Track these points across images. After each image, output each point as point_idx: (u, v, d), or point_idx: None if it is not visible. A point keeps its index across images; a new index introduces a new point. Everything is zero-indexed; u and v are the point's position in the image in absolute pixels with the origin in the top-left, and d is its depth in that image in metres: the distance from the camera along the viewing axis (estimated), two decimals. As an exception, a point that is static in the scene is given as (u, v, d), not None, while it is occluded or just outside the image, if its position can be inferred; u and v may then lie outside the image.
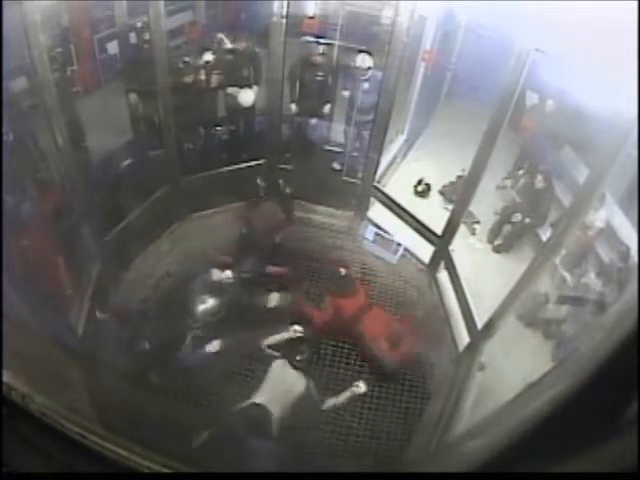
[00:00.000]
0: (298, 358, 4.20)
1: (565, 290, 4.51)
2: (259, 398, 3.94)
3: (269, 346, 4.41)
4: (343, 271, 5.31)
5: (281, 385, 4.07)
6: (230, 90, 6.03)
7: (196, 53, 6.00)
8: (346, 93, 6.16)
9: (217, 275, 5.09)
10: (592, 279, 4.43)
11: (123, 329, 4.68)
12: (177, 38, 6.60)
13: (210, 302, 4.91)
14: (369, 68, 5.77)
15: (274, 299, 5.21)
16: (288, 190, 6.09)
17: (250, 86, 5.98)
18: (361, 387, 4.21)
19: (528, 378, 1.59)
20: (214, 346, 4.57)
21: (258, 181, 6.10)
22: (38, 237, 3.92)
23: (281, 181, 6.11)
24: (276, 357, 4.27)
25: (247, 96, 6.00)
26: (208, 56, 5.84)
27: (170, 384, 4.39)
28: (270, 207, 6.15)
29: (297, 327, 4.51)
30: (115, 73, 6.05)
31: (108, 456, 1.00)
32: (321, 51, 5.95)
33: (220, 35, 6.01)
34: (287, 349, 4.31)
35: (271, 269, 5.55)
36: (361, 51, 5.82)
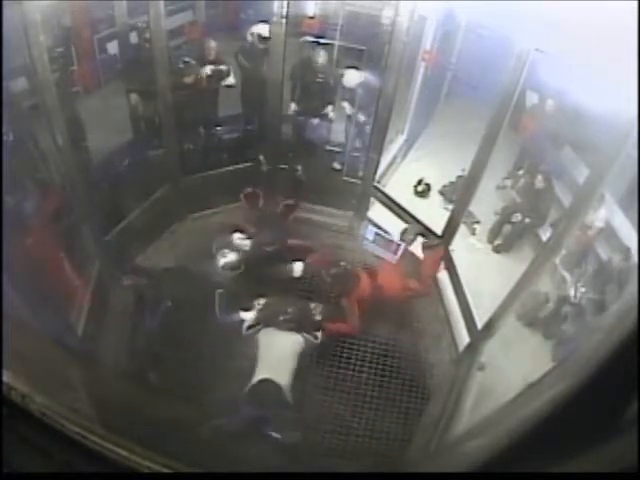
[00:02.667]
0: (281, 318, 4.24)
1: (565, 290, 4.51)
2: (262, 374, 3.91)
3: (249, 327, 4.37)
4: (343, 263, 5.17)
5: (275, 352, 4.08)
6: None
7: (196, 53, 6.01)
8: (346, 105, 6.23)
9: (238, 239, 5.23)
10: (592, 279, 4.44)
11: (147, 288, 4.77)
12: (177, 38, 6.60)
13: (230, 256, 5.05)
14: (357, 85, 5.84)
15: (298, 269, 5.27)
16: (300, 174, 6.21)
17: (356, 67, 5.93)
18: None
19: (528, 378, 1.58)
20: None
21: (261, 158, 6.16)
22: (38, 237, 3.92)
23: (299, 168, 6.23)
24: (257, 330, 4.27)
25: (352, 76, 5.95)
26: (208, 70, 5.83)
27: (170, 383, 4.39)
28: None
29: (260, 300, 4.52)
30: (115, 73, 6.05)
31: (108, 456, 1.00)
32: (322, 55, 5.94)
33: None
34: (265, 318, 4.33)
35: (294, 242, 5.55)
36: (349, 67, 5.87)
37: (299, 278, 5.29)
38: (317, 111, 6.21)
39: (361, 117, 6.16)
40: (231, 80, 5.99)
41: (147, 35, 5.19)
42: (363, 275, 5.07)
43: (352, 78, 5.86)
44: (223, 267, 5.02)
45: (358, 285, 4.94)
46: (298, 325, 4.32)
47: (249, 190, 5.94)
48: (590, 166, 4.16)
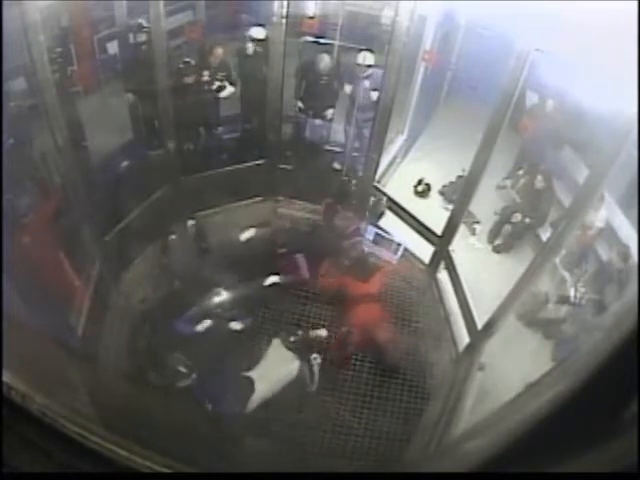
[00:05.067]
0: (292, 339, 4.42)
1: (565, 290, 4.51)
2: (252, 372, 4.19)
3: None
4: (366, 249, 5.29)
5: (273, 364, 4.31)
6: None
7: (196, 54, 6.02)
8: (348, 88, 6.17)
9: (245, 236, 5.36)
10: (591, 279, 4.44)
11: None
12: (177, 38, 6.60)
13: (224, 295, 4.91)
14: (370, 66, 5.78)
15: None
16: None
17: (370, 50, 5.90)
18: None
19: (528, 378, 1.58)
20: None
21: (335, 165, 6.30)
22: (38, 237, 3.92)
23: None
24: (274, 336, 4.52)
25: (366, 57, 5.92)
26: (206, 76, 5.85)
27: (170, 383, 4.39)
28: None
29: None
30: (115, 73, 6.05)
31: (108, 456, 1.00)
32: (325, 60, 5.97)
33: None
34: (283, 331, 4.58)
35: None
36: (362, 49, 5.84)
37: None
38: (319, 112, 6.21)
39: (361, 115, 6.16)
40: (227, 92, 6.01)
41: (144, 37, 5.22)
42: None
43: (366, 58, 5.85)
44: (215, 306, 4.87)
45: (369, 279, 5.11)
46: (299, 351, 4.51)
47: (329, 200, 6.09)
48: (590, 166, 4.16)
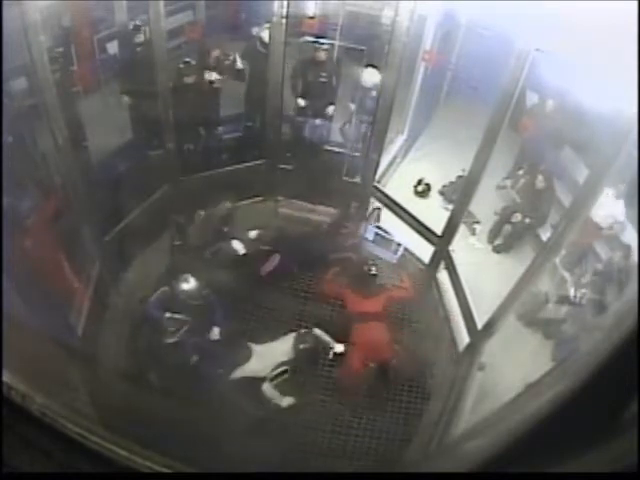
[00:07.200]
0: (301, 347, 4.48)
1: (565, 290, 4.51)
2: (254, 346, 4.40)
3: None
4: (373, 269, 5.13)
5: (275, 351, 4.48)
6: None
7: (196, 54, 6.02)
8: (352, 106, 6.22)
9: (237, 245, 5.35)
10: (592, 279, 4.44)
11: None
12: (177, 38, 6.61)
13: (192, 282, 4.55)
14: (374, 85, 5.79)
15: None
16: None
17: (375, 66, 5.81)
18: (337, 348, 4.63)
19: (528, 378, 1.58)
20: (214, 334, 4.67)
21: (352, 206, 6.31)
22: (38, 237, 3.92)
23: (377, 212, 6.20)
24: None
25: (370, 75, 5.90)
26: (213, 76, 5.84)
27: (170, 384, 4.39)
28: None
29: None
30: (115, 73, 6.06)
31: (108, 456, 1.00)
32: (325, 48, 5.93)
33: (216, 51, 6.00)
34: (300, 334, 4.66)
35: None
36: (368, 65, 5.82)
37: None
38: (320, 111, 6.21)
39: (362, 117, 6.15)
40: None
41: (142, 37, 5.22)
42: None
43: (370, 77, 5.81)
44: (180, 294, 4.49)
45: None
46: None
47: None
48: (590, 166, 4.16)
